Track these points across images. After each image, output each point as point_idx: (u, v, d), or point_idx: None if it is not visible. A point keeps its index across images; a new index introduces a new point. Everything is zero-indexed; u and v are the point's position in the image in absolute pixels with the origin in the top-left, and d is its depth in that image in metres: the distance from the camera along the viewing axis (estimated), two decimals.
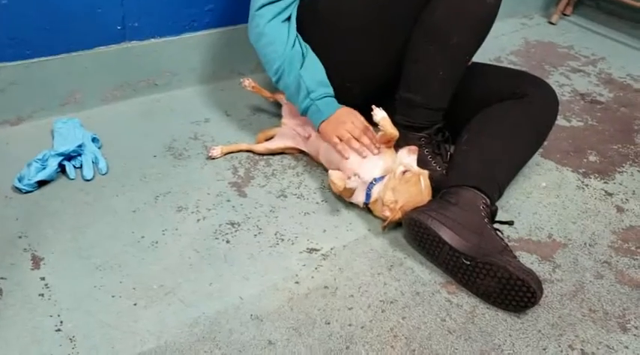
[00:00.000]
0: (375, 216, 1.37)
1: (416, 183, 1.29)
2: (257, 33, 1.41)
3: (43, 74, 1.56)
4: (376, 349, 1.07)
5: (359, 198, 1.36)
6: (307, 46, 1.44)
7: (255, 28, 1.41)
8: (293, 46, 1.40)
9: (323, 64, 1.43)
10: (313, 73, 1.41)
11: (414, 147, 1.33)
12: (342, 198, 1.40)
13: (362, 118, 1.41)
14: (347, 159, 1.38)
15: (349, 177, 1.34)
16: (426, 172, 1.32)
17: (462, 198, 1.26)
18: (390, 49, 1.44)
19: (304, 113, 1.44)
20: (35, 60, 1.54)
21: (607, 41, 2.50)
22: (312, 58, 1.43)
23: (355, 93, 1.48)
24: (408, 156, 1.32)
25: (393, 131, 1.35)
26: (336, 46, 1.46)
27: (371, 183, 1.34)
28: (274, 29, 1.39)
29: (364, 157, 1.37)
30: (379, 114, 1.35)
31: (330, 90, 1.43)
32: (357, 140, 1.37)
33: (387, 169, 1.35)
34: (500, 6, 1.36)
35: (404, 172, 1.29)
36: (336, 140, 1.38)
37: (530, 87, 1.46)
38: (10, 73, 1.52)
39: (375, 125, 1.38)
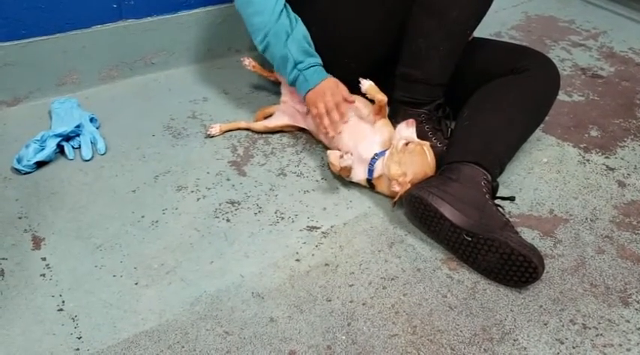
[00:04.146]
0: (377, 193, 1.37)
1: (421, 154, 1.29)
2: (245, 1, 1.39)
3: (39, 54, 1.55)
4: (377, 325, 1.07)
5: (360, 175, 1.36)
6: (297, 16, 1.42)
7: None
8: (279, 17, 1.38)
9: (320, 38, 1.42)
10: (300, 43, 1.39)
11: (411, 120, 1.32)
12: (342, 176, 1.40)
13: (344, 91, 1.40)
14: (331, 137, 1.40)
15: (341, 156, 1.33)
16: (428, 142, 1.32)
17: (463, 174, 1.25)
18: (389, 23, 1.42)
19: (292, 84, 1.43)
20: (31, 40, 1.53)
21: (608, 15, 2.47)
22: (301, 29, 1.41)
23: (352, 69, 1.46)
24: (406, 129, 1.31)
25: (380, 96, 1.35)
26: (334, 21, 1.44)
27: (373, 158, 1.33)
28: None
29: (331, 137, 1.38)
30: (365, 83, 1.36)
31: (318, 60, 1.42)
32: (329, 114, 1.38)
33: (385, 143, 1.35)
34: None
35: (406, 144, 1.28)
36: (314, 111, 1.40)
37: (531, 61, 1.44)
38: (5, 54, 1.50)
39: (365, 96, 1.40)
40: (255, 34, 1.42)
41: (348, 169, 1.34)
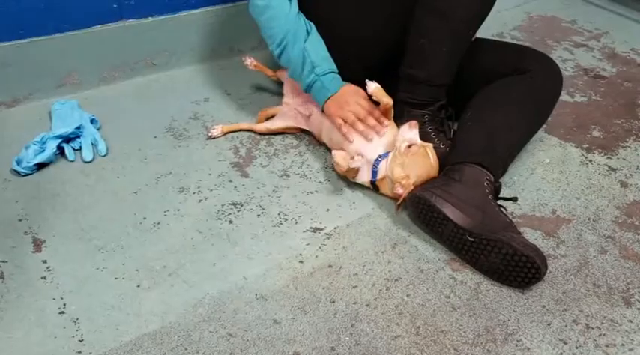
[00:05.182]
0: (381, 194, 1.36)
1: (424, 156, 1.28)
2: (261, 6, 1.39)
3: (38, 55, 1.55)
4: (381, 326, 1.07)
5: (364, 177, 1.35)
6: (312, 24, 1.41)
7: (259, 1, 1.39)
8: (296, 20, 1.38)
9: (324, 38, 1.41)
10: (318, 48, 1.39)
11: (413, 122, 1.31)
12: (345, 177, 1.39)
13: (367, 98, 1.39)
14: (351, 142, 1.36)
15: (352, 157, 1.32)
16: (430, 144, 1.31)
17: (466, 174, 1.24)
18: (390, 23, 1.42)
19: (308, 89, 1.41)
20: (30, 40, 1.52)
21: (610, 15, 2.47)
22: (317, 36, 1.41)
23: (355, 69, 1.46)
24: (409, 131, 1.31)
25: (387, 99, 1.35)
26: (334, 21, 1.44)
27: (376, 160, 1.33)
28: (278, 3, 1.37)
29: (370, 140, 1.35)
30: (372, 85, 1.35)
31: (335, 67, 1.41)
32: (363, 121, 1.36)
33: (390, 145, 1.34)
34: None
35: (409, 146, 1.28)
36: (340, 122, 1.37)
37: (533, 62, 1.44)
38: (4, 54, 1.50)
39: (370, 98, 1.38)
40: (273, 39, 1.40)
41: (355, 171, 1.34)
